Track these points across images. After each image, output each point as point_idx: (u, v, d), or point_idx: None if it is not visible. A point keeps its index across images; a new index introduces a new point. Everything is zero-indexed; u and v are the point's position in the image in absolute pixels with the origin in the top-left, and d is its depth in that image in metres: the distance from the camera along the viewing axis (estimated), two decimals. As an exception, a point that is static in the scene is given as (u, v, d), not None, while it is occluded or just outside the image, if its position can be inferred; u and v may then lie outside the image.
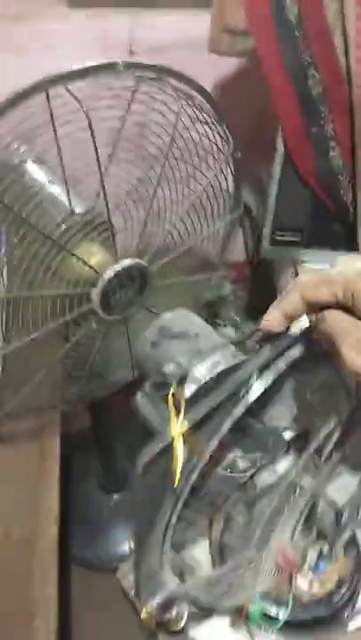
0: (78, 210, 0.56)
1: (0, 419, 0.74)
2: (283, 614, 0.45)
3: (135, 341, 0.55)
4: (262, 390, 0.33)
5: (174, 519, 0.35)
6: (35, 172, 0.57)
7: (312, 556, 0.40)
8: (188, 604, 0.38)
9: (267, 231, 0.77)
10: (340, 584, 0.53)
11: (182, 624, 0.38)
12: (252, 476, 0.38)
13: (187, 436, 0.29)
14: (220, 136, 0.59)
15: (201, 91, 0.55)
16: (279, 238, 0.76)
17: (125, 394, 0.53)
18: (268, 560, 0.39)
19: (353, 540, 0.57)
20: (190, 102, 0.54)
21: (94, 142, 0.49)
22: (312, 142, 0.65)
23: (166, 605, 0.36)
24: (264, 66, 0.63)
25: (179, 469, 0.28)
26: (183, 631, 0.41)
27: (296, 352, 0.35)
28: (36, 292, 0.53)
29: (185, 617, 0.38)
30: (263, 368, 0.33)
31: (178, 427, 0.28)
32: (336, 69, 0.60)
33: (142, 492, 0.32)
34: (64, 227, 0.55)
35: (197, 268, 0.71)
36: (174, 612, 0.36)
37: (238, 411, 0.33)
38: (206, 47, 0.96)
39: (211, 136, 0.59)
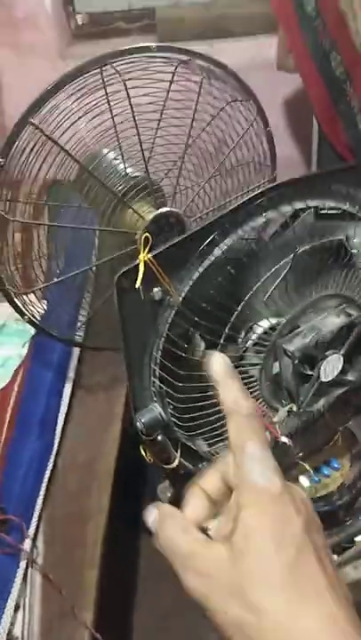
0: (131, 174, 0.70)
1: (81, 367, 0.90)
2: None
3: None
4: (226, 247, 0.43)
5: (158, 353, 0.45)
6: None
7: (282, 412, 0.47)
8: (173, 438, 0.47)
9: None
10: (342, 489, 0.58)
11: (175, 462, 0.46)
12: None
13: (154, 264, 0.40)
14: (250, 110, 0.70)
15: (228, 71, 0.67)
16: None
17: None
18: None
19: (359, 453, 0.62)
20: (217, 80, 0.67)
21: (134, 119, 0.63)
22: (341, 117, 0.74)
23: (152, 426, 0.45)
24: (294, 56, 0.74)
25: (139, 281, 0.39)
26: (178, 470, 0.49)
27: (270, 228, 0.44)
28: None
29: (177, 456, 0.47)
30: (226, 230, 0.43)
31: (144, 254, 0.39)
32: (353, 50, 0.69)
33: (134, 317, 0.43)
34: (120, 187, 0.70)
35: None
36: (160, 437, 0.45)
37: (205, 263, 0.43)
38: (274, 67, 1.10)
39: (243, 111, 0.70)
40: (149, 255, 0.39)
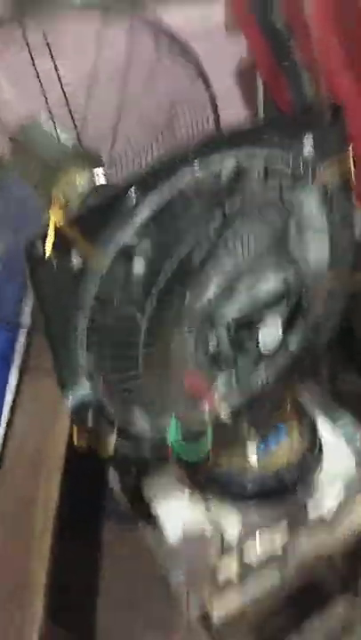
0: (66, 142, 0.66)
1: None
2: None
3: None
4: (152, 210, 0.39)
5: (85, 324, 0.41)
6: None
7: (220, 382, 0.44)
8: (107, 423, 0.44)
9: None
10: (290, 463, 0.56)
11: (110, 449, 0.43)
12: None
13: (71, 229, 0.36)
14: (190, 71, 0.66)
15: (165, 30, 0.63)
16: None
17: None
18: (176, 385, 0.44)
19: (311, 423, 0.60)
20: (154, 39, 0.63)
21: (60, 82, 0.59)
22: (285, 74, 0.71)
23: (82, 402, 0.42)
24: (234, 13, 0.70)
25: (48, 248, 0.35)
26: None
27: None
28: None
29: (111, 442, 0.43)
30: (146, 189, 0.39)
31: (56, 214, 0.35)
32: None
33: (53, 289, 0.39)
34: (55, 157, 0.66)
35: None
36: (90, 420, 0.42)
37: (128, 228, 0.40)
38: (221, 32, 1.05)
39: (182, 72, 0.66)
40: (61, 219, 0.35)
